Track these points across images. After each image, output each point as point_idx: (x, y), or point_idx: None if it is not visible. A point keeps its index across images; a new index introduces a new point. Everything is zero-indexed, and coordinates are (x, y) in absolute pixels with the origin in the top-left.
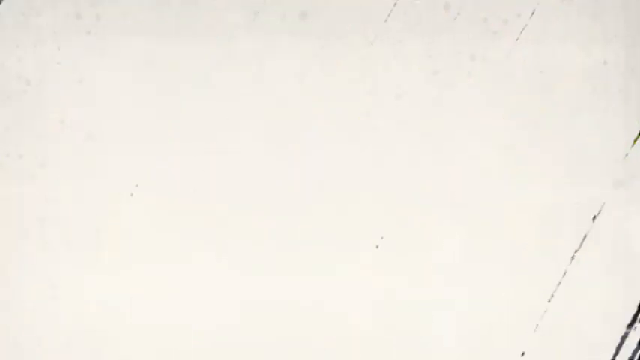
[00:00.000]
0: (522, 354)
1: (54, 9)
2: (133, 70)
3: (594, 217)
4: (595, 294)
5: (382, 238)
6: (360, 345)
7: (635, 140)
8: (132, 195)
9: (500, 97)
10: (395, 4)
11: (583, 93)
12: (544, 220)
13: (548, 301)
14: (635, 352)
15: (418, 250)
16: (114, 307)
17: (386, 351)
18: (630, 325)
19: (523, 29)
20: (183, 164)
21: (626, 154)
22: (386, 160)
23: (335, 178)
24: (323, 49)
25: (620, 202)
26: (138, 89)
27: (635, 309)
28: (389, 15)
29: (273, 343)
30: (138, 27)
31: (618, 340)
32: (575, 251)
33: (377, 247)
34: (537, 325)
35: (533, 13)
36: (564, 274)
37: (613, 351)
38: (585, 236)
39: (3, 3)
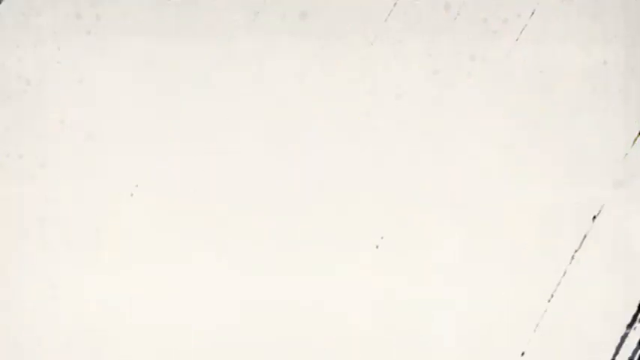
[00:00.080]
0: (522, 354)
1: (54, 9)
2: (133, 70)
3: (594, 217)
4: (595, 294)
5: (382, 238)
6: (360, 345)
7: (635, 140)
8: (132, 195)
9: (500, 97)
10: (395, 4)
11: (583, 93)
12: (544, 220)
13: (548, 301)
14: (635, 352)
15: (418, 250)
16: (114, 307)
17: (386, 351)
18: (630, 325)
19: (523, 29)
20: (183, 164)
21: (626, 154)
22: (386, 160)
23: (335, 178)
24: (323, 49)
25: (620, 202)
26: (138, 89)
27: (635, 309)
28: (389, 15)
29: (273, 343)
30: (138, 27)
31: (618, 340)
32: (575, 251)
33: (377, 247)
34: (537, 325)
35: (533, 13)
36: (564, 274)
37: (613, 351)
38: (585, 236)
39: (3, 3)
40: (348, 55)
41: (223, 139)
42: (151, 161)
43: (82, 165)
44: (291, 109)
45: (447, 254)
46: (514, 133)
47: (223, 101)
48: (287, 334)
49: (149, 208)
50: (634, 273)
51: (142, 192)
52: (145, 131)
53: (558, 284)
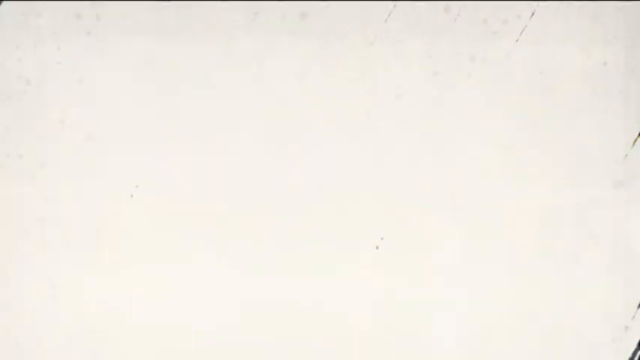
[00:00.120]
0: (522, 354)
1: (54, 9)
2: (133, 70)
3: (594, 218)
4: (595, 294)
5: (382, 238)
6: (360, 345)
7: (635, 141)
8: (132, 195)
9: (500, 98)
10: (395, 4)
11: (583, 94)
12: (544, 221)
13: (548, 301)
14: (635, 352)
15: (418, 251)
16: (114, 307)
17: (386, 351)
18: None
19: (523, 30)
20: (183, 164)
21: (626, 155)
22: (386, 160)
23: (335, 178)
24: (323, 49)
25: (620, 202)
26: (138, 89)
27: (635, 309)
28: (389, 15)
29: (273, 343)
30: (138, 27)
31: (618, 340)
32: (575, 252)
33: (377, 247)
34: (537, 325)
35: (533, 14)
36: (564, 274)
37: (613, 351)
38: (585, 237)
39: (3, 3)
40: (348, 55)
41: (223, 139)
42: (151, 161)
43: (82, 165)
44: (291, 109)
45: (447, 255)
46: (514, 134)
47: (223, 101)
48: (287, 334)
49: (149, 208)
50: (634, 273)
51: (142, 192)
52: (145, 131)
53: (558, 284)
